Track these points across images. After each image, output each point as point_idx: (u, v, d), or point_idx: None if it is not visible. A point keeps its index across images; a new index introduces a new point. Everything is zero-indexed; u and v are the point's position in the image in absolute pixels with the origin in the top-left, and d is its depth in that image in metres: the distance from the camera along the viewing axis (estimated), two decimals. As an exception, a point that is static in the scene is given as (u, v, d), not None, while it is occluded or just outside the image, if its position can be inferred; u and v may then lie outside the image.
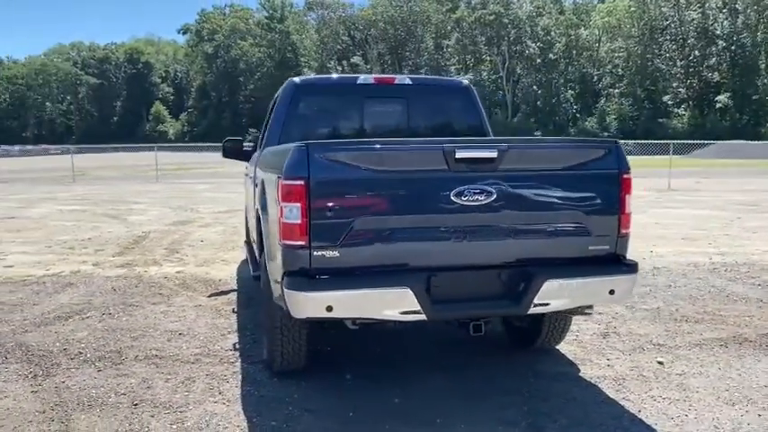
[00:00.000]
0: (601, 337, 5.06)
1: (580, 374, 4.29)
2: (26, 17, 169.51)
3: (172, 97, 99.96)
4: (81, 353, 4.74)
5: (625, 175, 3.67)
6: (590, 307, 3.92)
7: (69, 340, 5.01)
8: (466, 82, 5.51)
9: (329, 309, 3.28)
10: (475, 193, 3.40)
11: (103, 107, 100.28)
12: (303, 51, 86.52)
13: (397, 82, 5.34)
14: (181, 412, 3.75)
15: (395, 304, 3.33)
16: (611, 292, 3.63)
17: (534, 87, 68.69)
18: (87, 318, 5.63)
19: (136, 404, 3.86)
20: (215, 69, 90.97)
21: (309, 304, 3.30)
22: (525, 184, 3.54)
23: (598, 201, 3.65)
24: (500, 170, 3.45)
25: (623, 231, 3.70)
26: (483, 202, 3.42)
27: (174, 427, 3.57)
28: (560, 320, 4.44)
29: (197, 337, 5.09)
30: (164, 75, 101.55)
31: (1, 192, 19.68)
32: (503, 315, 4.03)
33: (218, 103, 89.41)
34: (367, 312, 3.38)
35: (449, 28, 74.15)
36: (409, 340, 5.01)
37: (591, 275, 3.61)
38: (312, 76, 6.36)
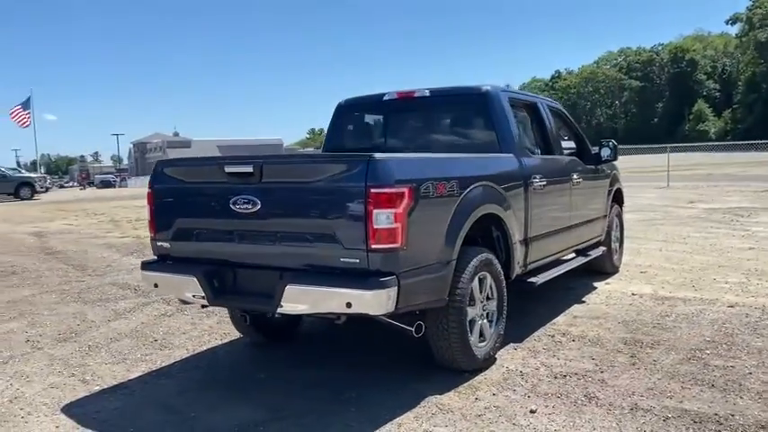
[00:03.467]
0: (552, 376, 4.34)
1: (426, 400, 3.99)
2: (581, 30, 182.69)
3: (717, 94, 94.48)
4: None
5: (374, 190, 3.55)
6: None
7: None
8: (485, 88, 5.22)
9: (156, 285, 4.42)
10: (244, 203, 3.97)
11: (645, 109, 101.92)
12: None
13: (416, 95, 5.50)
14: (159, 349, 5.35)
15: (190, 288, 4.21)
16: (348, 304, 3.60)
17: None
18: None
19: (155, 340, 5.63)
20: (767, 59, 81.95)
21: (145, 280, 4.50)
22: (283, 195, 3.88)
23: (345, 214, 3.66)
24: (262, 183, 3.92)
25: (374, 246, 3.58)
26: (251, 211, 3.95)
27: (147, 355, 5.22)
28: (441, 339, 4.24)
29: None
30: (709, 71, 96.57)
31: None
32: (260, 311, 4.22)
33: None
34: (177, 292, 4.36)
35: None
36: (375, 340, 5.30)
37: (326, 285, 3.66)
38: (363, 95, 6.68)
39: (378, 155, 3.66)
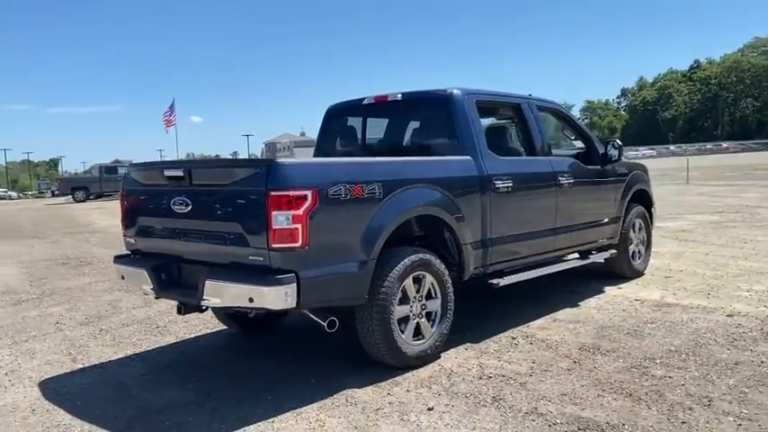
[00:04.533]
0: (478, 377, 4.37)
1: (341, 393, 4.17)
2: (724, 17, 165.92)
3: None
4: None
5: (273, 193, 3.80)
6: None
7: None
8: (450, 91, 5.23)
9: (122, 278, 4.92)
10: (180, 204, 4.36)
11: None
12: None
13: (389, 99, 5.62)
14: (155, 335, 5.90)
15: (143, 281, 4.67)
16: (251, 299, 3.88)
17: None
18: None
19: (157, 327, 6.20)
20: None
21: (116, 273, 5.02)
22: (205, 197, 4.22)
23: (249, 215, 3.93)
24: (192, 186, 4.29)
25: (274, 245, 3.82)
26: (185, 211, 4.34)
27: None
28: (367, 336, 4.42)
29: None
30: None
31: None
32: (190, 303, 4.51)
33: None
34: (136, 285, 4.83)
35: None
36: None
37: (233, 281, 3.96)
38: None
39: (281, 160, 3.91)
